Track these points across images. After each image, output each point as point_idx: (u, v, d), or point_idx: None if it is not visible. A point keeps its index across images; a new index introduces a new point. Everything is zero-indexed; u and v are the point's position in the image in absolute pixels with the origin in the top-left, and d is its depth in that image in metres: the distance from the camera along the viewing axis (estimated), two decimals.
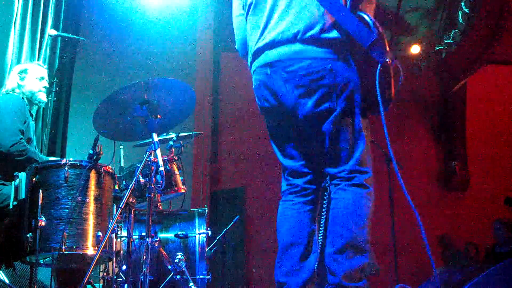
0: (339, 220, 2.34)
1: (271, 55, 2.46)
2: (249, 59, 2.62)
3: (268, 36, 2.47)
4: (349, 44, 2.40)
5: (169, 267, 3.43)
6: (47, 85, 3.97)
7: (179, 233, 3.70)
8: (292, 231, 2.50)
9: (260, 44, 2.50)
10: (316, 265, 2.46)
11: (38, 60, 4.77)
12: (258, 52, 2.51)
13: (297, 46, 2.40)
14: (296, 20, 2.41)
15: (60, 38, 4.85)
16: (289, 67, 2.40)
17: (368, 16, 2.41)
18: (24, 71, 3.85)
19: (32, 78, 3.83)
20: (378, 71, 2.31)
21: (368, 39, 2.32)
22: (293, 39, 2.40)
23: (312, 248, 2.47)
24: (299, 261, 2.43)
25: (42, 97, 3.88)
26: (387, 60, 2.31)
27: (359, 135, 2.42)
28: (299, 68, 2.38)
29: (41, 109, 4.66)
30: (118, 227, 3.25)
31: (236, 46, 2.76)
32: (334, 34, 2.38)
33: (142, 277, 2.85)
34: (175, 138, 4.04)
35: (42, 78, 3.89)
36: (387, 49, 2.34)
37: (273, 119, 2.61)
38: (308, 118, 2.44)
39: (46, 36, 4.83)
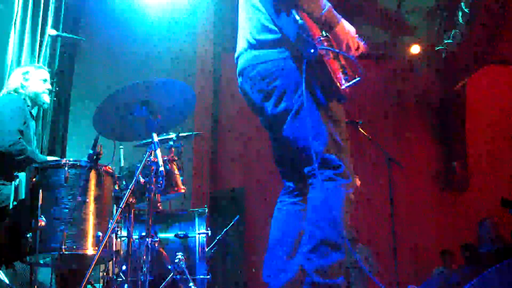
0: (312, 220, 2.32)
1: (240, 63, 2.54)
2: None
3: (239, 45, 2.56)
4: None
5: (169, 267, 3.44)
6: (51, 87, 4.00)
7: (179, 233, 3.70)
8: (280, 231, 2.51)
9: (236, 54, 2.58)
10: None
11: (38, 60, 4.77)
12: (236, 61, 2.59)
13: (254, 52, 2.44)
14: (249, 26, 2.47)
15: (60, 38, 4.86)
16: (251, 73, 2.45)
17: (294, 10, 2.25)
18: (28, 72, 3.87)
19: (36, 80, 3.85)
20: (304, 66, 2.22)
21: (293, 34, 2.23)
22: (249, 46, 2.46)
23: (300, 246, 2.44)
24: (285, 260, 2.42)
25: (46, 98, 3.92)
26: (311, 51, 2.18)
27: (319, 130, 2.34)
28: (257, 73, 2.42)
29: (41, 109, 4.67)
30: (118, 227, 3.25)
31: None
32: (280, 34, 2.37)
33: (142, 277, 2.86)
34: (175, 138, 4.04)
35: (46, 80, 3.92)
36: (315, 37, 2.22)
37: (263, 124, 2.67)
38: (271, 121, 2.48)
39: (46, 36, 4.82)
